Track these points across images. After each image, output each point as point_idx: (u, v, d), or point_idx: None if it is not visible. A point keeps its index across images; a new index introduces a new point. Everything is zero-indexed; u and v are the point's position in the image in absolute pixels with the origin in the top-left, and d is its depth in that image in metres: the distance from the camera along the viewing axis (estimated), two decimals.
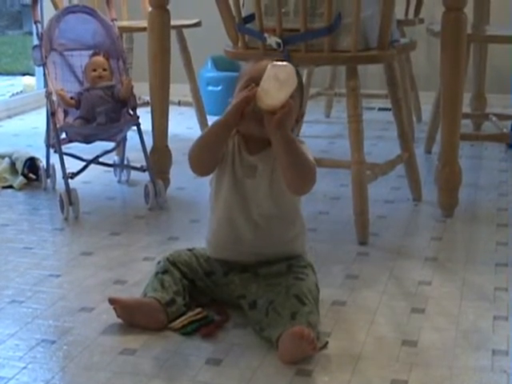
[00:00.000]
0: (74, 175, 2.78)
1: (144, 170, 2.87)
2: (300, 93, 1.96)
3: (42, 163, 3.07)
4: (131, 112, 2.84)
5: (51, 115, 2.80)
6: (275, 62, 1.80)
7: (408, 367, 1.71)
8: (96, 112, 2.79)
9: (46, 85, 2.85)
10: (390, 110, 2.82)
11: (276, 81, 1.76)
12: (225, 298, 1.99)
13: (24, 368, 1.72)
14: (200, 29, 3.85)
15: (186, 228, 2.63)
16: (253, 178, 1.93)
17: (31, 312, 1.99)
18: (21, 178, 3.09)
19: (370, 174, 2.53)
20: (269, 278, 1.92)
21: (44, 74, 2.85)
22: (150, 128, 2.92)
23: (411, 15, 3.89)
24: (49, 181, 3.05)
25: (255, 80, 1.82)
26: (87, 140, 2.83)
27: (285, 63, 1.80)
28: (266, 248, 1.96)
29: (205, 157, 1.92)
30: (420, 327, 1.90)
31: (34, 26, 2.91)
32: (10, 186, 3.08)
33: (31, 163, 3.13)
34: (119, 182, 3.15)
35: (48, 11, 3.93)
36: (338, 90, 4.09)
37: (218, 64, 4.44)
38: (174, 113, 3.34)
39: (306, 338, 1.69)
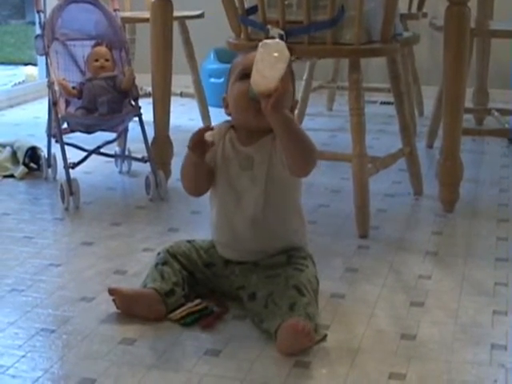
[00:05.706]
0: (74, 165, 2.77)
1: (145, 161, 2.87)
2: (292, 81, 1.95)
3: (43, 153, 3.07)
4: (133, 103, 2.84)
5: (53, 105, 2.80)
6: (264, 41, 1.79)
7: (406, 361, 1.72)
8: (98, 102, 2.79)
9: (48, 74, 2.85)
10: (392, 103, 2.82)
11: (269, 58, 1.74)
12: (224, 290, 1.99)
13: (23, 356, 1.72)
14: (203, 20, 3.84)
15: (186, 219, 2.63)
16: (250, 170, 1.92)
17: (31, 301, 1.99)
18: (22, 168, 3.09)
19: (372, 167, 2.52)
20: (268, 268, 1.92)
21: (46, 64, 2.85)
22: (151, 119, 2.92)
23: (414, 9, 3.88)
24: (50, 170, 3.04)
25: (249, 69, 1.80)
26: (89, 130, 2.83)
27: (275, 40, 1.80)
28: (266, 244, 1.95)
29: (197, 183, 1.97)
30: (419, 321, 1.90)
31: (37, 16, 2.91)
32: (11, 176, 3.07)
33: (32, 153, 3.13)
34: (120, 172, 3.15)
35: (51, 1, 3.93)
36: (340, 84, 4.08)
37: (221, 56, 4.43)
38: (175, 104, 3.35)
39: (301, 331, 1.69)
